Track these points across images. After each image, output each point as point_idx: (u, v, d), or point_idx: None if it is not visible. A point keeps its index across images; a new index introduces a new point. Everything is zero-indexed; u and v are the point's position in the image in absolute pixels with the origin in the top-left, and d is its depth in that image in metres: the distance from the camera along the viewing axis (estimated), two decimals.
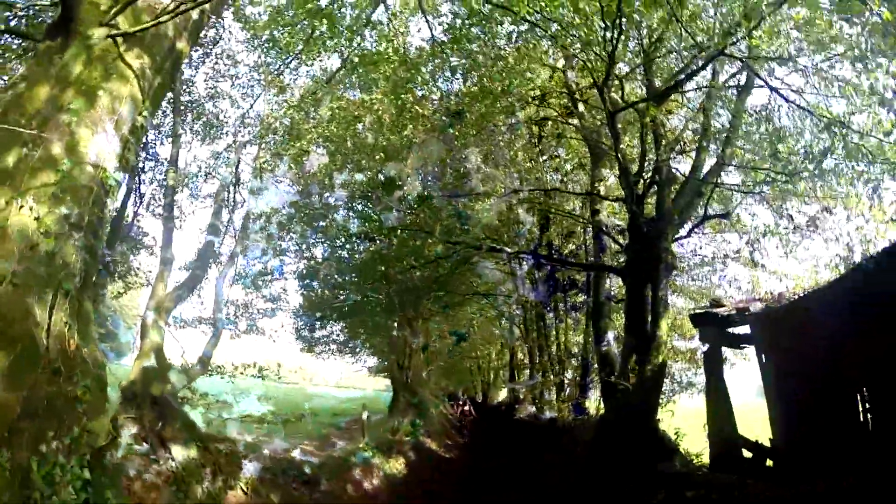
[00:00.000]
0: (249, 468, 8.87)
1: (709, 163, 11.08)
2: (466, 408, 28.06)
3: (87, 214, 6.00)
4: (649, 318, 10.24)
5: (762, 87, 9.82)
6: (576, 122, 13.42)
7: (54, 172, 5.62)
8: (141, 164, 12.66)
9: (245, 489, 8.39)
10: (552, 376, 19.78)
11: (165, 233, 9.68)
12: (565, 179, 18.84)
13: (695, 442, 10.92)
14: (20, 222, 5.35)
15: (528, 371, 24.46)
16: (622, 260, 12.43)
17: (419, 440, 19.47)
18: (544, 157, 18.82)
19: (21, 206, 5.38)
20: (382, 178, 18.77)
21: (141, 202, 12.96)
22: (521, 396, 26.81)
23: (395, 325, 23.79)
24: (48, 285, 5.41)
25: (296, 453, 10.76)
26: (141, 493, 6.98)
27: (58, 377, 5.28)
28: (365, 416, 16.21)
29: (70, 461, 5.13)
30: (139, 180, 12.67)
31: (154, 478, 7.31)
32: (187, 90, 13.72)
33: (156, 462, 7.54)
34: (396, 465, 14.44)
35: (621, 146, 10.63)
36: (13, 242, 5.28)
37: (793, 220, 12.47)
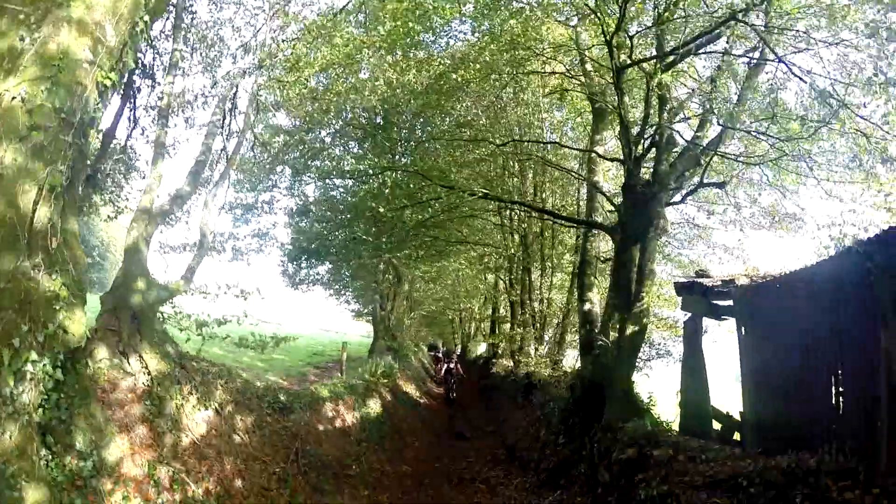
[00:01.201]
0: (224, 390, 8.90)
1: (711, 133, 11.05)
2: (452, 365, 24.28)
3: (80, 112, 5.89)
4: (634, 280, 10.29)
5: (772, 61, 9.61)
6: (582, 78, 13.19)
7: (50, 66, 5.47)
8: (137, 84, 12.29)
9: (218, 409, 8.42)
10: (532, 331, 19.91)
11: (157, 145, 9.44)
12: (564, 138, 18.71)
13: (666, 410, 11.09)
14: (11, 112, 5.26)
15: (508, 326, 24.60)
16: (613, 220, 12.36)
17: (396, 383, 19.69)
18: (545, 114, 18.66)
19: (13, 98, 5.27)
20: (381, 120, 18.61)
21: (135, 125, 12.59)
22: (500, 351, 27.03)
23: (381, 268, 23.84)
24: (35, 179, 5.33)
25: (271, 380, 10.84)
26: (114, 404, 6.98)
27: (37, 271, 5.23)
28: (344, 355, 16.31)
29: (43, 359, 5.10)
30: (134, 103, 12.31)
31: (128, 390, 7.31)
32: (189, 13, 13.26)
33: (131, 375, 7.51)
34: (371, 404, 14.59)
35: (625, 106, 10.50)
36: (2, 132, 5.18)
37: (786, 196, 12.54)
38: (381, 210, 15.71)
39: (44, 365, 5.11)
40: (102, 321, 7.63)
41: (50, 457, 5.35)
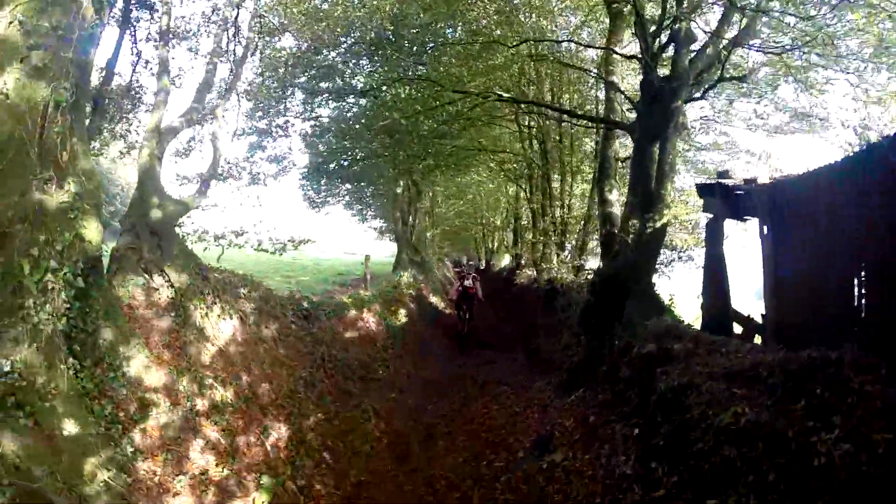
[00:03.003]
0: (247, 299, 9.05)
1: (733, 29, 10.61)
2: (469, 283, 18.64)
3: (78, 28, 5.85)
4: (654, 177, 10.10)
5: None
6: None
7: None
8: (135, 16, 12.05)
9: (243, 317, 8.59)
10: (554, 238, 19.83)
11: (161, 62, 9.34)
12: (576, 37, 18.08)
13: (687, 312, 11.11)
14: (9, 35, 5.28)
15: (530, 234, 24.34)
16: (632, 119, 12.04)
17: (420, 294, 19.95)
18: (559, 19, 18.01)
19: (10, 22, 5.26)
20: (390, 34, 18.08)
21: (139, 59, 12.42)
22: (523, 262, 26.97)
23: (400, 183, 23.79)
24: (40, 97, 5.37)
25: (295, 290, 10.98)
26: (139, 318, 7.16)
27: (50, 185, 5.30)
28: (367, 267, 16.49)
29: (63, 267, 5.19)
30: (134, 35, 12.08)
31: (152, 304, 7.47)
32: None
33: (154, 289, 7.68)
34: (396, 313, 14.82)
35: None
36: (3, 55, 5.22)
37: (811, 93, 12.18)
38: (396, 116, 15.49)
39: (64, 273, 5.21)
40: (122, 241, 7.78)
41: (78, 366, 5.52)
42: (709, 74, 10.76)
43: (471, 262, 25.85)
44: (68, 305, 5.33)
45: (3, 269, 4.83)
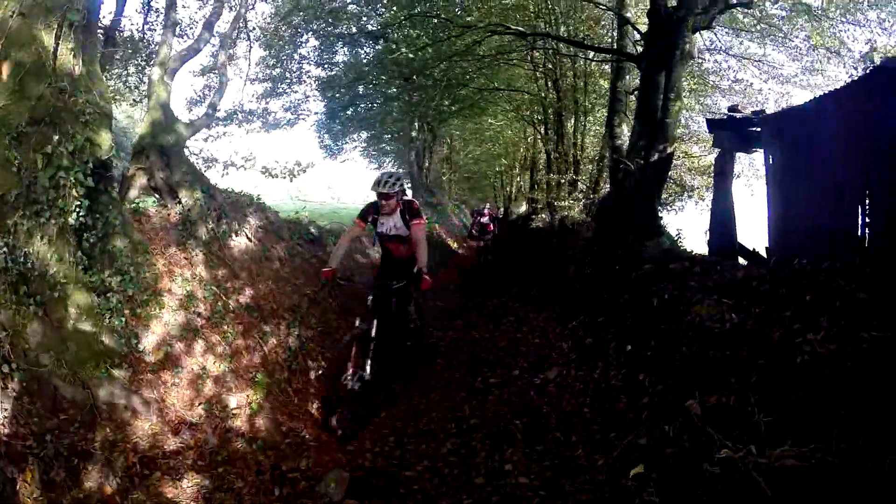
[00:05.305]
0: (254, 219, 9.31)
1: None
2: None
3: None
4: (660, 107, 10.09)
5: None
6: None
7: None
8: None
9: (249, 236, 8.86)
10: (567, 176, 19.78)
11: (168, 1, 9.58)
12: None
13: (694, 247, 11.17)
14: None
15: (544, 173, 24.28)
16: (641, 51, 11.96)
17: (435, 233, 20.12)
18: None
19: None
20: None
21: (149, 10, 12.61)
22: (539, 206, 26.98)
23: (416, 126, 23.81)
24: (53, 16, 5.62)
25: (303, 216, 11.17)
26: (148, 231, 7.48)
27: (63, 94, 5.63)
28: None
29: (74, 166, 5.49)
30: None
31: (162, 219, 7.79)
32: None
33: (163, 206, 8.01)
34: None
35: None
36: None
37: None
38: (404, 51, 15.51)
39: (75, 171, 5.51)
40: (134, 162, 8.12)
41: (88, 263, 5.83)
42: (717, 5, 10.65)
43: (488, 209, 25.92)
44: (79, 203, 5.62)
45: (19, 164, 5.15)
